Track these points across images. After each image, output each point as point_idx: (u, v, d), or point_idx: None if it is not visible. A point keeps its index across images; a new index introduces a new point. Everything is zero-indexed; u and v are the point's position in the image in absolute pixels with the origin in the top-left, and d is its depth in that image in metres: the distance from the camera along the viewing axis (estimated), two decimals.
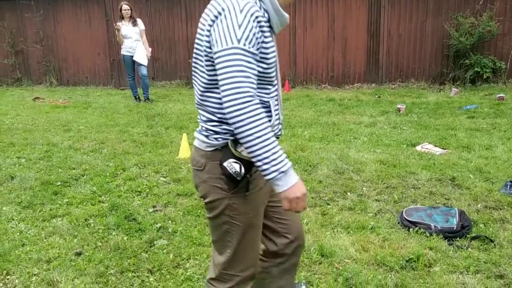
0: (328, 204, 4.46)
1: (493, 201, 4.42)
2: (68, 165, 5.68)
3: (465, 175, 5.09)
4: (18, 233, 3.91)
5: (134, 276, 3.24)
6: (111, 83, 14.63)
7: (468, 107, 9.08)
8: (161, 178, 5.19)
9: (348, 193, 4.70)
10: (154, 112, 9.32)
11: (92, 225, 4.06)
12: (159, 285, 3.14)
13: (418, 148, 6.27)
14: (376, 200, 4.54)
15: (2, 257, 3.48)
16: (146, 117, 8.83)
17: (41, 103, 11.13)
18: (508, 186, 4.64)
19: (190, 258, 3.46)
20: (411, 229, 3.84)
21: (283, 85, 13.14)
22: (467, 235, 3.77)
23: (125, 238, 3.79)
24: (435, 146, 6.33)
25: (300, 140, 6.76)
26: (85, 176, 5.28)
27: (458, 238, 3.73)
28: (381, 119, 8.37)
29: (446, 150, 6.14)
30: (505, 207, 4.31)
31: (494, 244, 3.61)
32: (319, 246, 3.56)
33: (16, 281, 3.20)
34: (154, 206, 4.45)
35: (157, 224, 4.02)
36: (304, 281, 3.13)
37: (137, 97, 10.97)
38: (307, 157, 5.74)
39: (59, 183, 5.04)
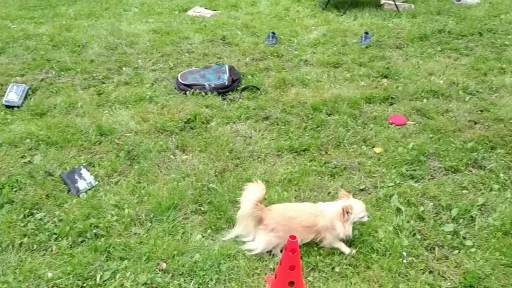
0: (103, 83, 4.21)
1: (258, 53, 4.77)
2: None
3: (234, 33, 5.30)
4: None
5: None
6: None
7: None
8: None
9: (123, 68, 4.49)
10: None
11: None
12: None
13: (190, 12, 6.23)
14: (152, 70, 4.45)
15: None
16: None
17: None
18: (270, 37, 5.02)
19: None
20: (187, 92, 3.92)
21: None
22: (238, 88, 4.04)
23: None
24: (206, 8, 6.37)
25: (65, 20, 6.03)
26: None
27: (230, 92, 3.97)
28: None
29: (216, 11, 6.24)
30: (269, 56, 4.70)
31: (260, 91, 3.97)
32: (97, 127, 3.40)
33: None
34: None
35: None
36: (84, 164, 3.00)
37: None
38: (74, 37, 5.19)
39: None
